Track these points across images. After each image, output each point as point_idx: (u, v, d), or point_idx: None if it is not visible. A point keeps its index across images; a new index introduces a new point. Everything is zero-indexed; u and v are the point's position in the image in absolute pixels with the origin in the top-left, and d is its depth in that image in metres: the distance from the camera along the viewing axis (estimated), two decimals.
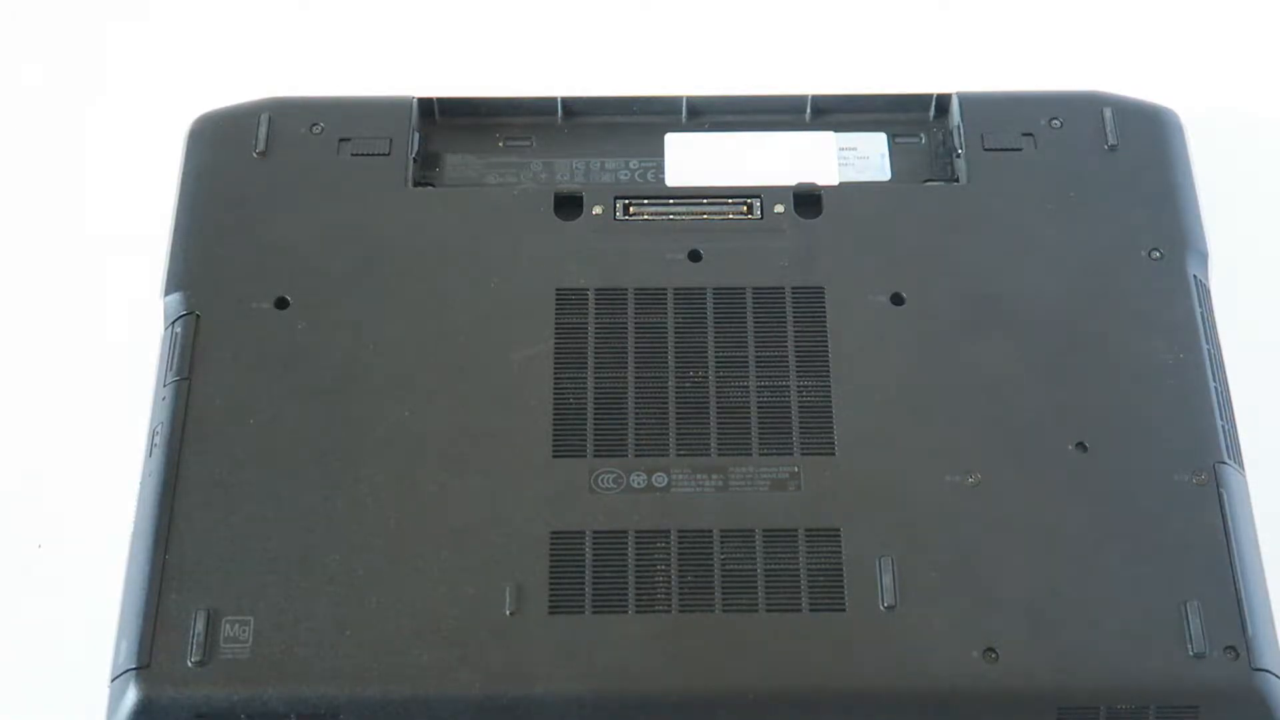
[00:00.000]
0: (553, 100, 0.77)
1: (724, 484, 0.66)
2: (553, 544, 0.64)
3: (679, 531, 0.64)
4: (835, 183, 0.74)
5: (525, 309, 0.70)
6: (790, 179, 0.74)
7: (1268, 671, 0.62)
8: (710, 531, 0.64)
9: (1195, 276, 0.71)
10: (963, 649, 0.62)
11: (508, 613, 0.62)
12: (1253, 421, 0.69)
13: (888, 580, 0.63)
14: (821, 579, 0.63)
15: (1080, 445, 0.66)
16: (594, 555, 0.64)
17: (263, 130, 0.75)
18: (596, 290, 0.70)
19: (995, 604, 0.63)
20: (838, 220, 0.72)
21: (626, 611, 0.63)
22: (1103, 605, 0.63)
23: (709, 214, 0.73)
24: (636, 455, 0.66)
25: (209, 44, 0.87)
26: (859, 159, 0.76)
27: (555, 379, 0.68)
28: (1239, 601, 0.63)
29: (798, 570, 0.63)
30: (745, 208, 0.73)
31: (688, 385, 0.68)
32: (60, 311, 0.77)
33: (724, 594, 0.63)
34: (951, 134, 0.76)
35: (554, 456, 0.66)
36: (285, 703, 0.61)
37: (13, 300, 0.78)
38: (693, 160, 0.75)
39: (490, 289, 0.70)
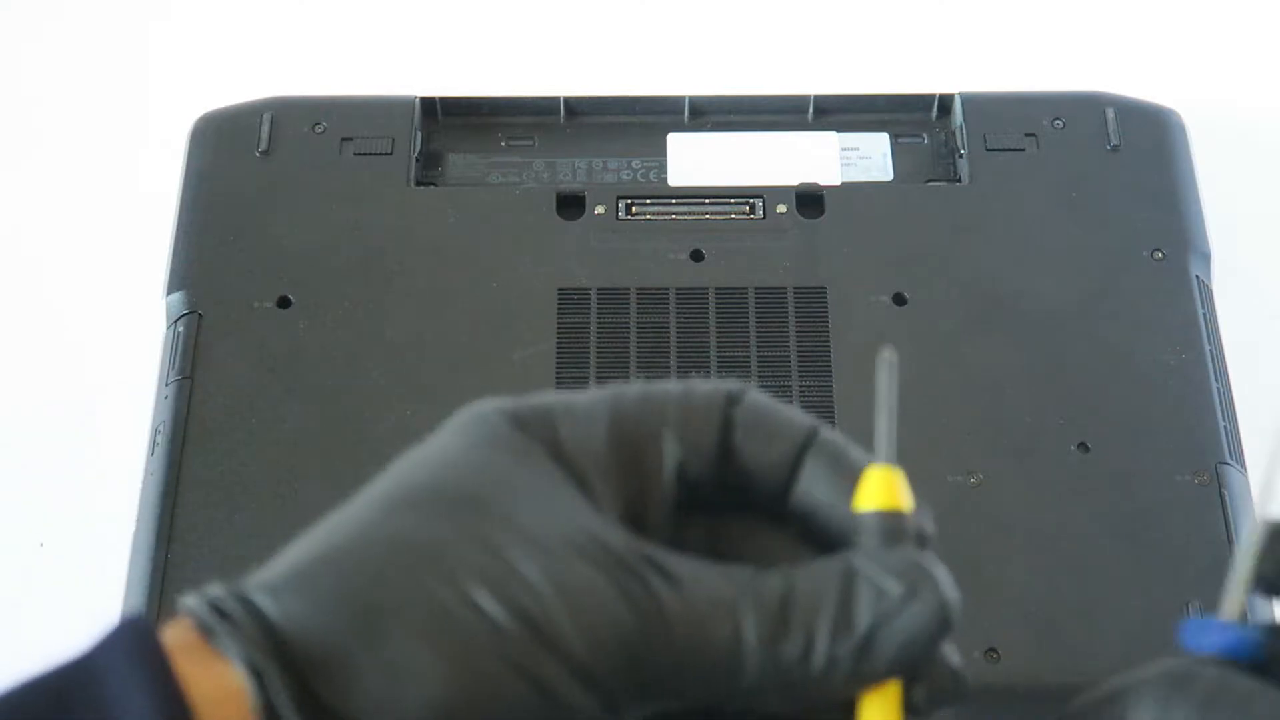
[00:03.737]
0: (555, 100, 0.77)
1: None
2: None
3: None
4: (837, 183, 0.74)
5: (527, 308, 0.70)
6: (792, 179, 0.74)
7: None
8: None
9: (1197, 277, 0.71)
10: (964, 649, 0.61)
11: None
12: (1254, 421, 0.69)
13: None
14: None
15: (1082, 445, 0.66)
16: None
17: (265, 129, 0.75)
18: (598, 290, 0.70)
19: (997, 604, 0.63)
20: (840, 220, 0.72)
21: None
22: (1104, 605, 0.62)
23: (711, 214, 0.73)
24: None
25: (211, 43, 0.87)
26: (861, 159, 0.76)
27: (557, 379, 0.68)
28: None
29: None
30: (747, 208, 0.73)
31: None
32: (62, 310, 0.77)
33: None
34: (954, 134, 0.76)
35: None
36: None
37: (14, 299, 0.78)
38: (695, 160, 0.75)
39: (492, 288, 0.70)
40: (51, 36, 0.87)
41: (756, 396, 0.41)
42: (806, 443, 0.41)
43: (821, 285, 0.70)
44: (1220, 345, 0.69)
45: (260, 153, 0.74)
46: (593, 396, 0.39)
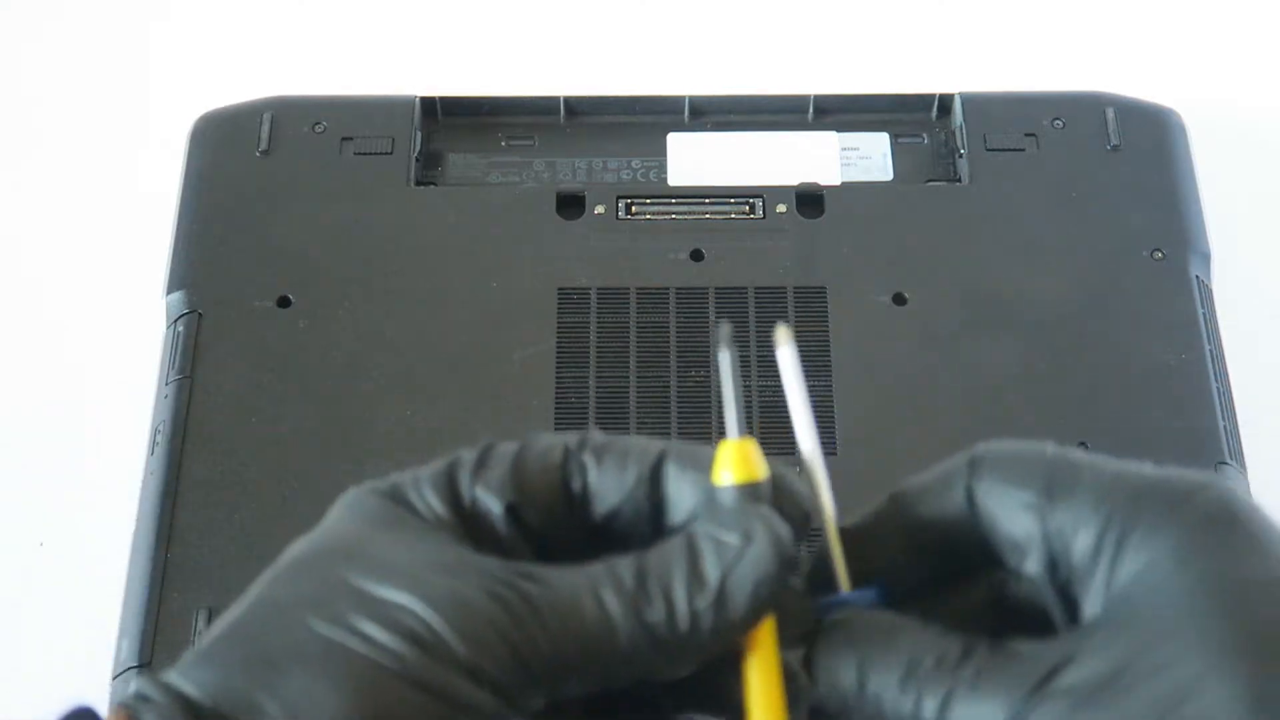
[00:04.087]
0: (555, 100, 0.77)
1: None
2: None
3: None
4: (837, 182, 0.74)
5: (527, 308, 0.70)
6: (792, 179, 0.74)
7: None
8: None
9: (1197, 277, 0.71)
10: None
11: None
12: (1254, 422, 0.69)
13: None
14: None
15: (1082, 445, 0.66)
16: None
17: (265, 129, 0.75)
18: (598, 289, 0.70)
19: None
20: (840, 220, 0.72)
21: None
22: None
23: (711, 213, 0.73)
24: None
25: (212, 43, 0.87)
26: (861, 159, 0.76)
27: (557, 378, 0.68)
28: None
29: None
30: (747, 207, 0.73)
31: (689, 385, 0.68)
32: (62, 310, 0.77)
33: None
34: (954, 134, 0.76)
35: None
36: None
37: (14, 299, 0.78)
38: (695, 160, 0.75)
39: (492, 288, 0.70)
40: (51, 36, 0.87)
41: (598, 436, 0.44)
42: (660, 459, 0.43)
43: (821, 285, 0.70)
44: (1220, 345, 0.69)
45: (260, 153, 0.74)
46: (435, 465, 0.43)
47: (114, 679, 0.62)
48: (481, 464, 0.43)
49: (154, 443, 0.67)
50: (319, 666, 0.39)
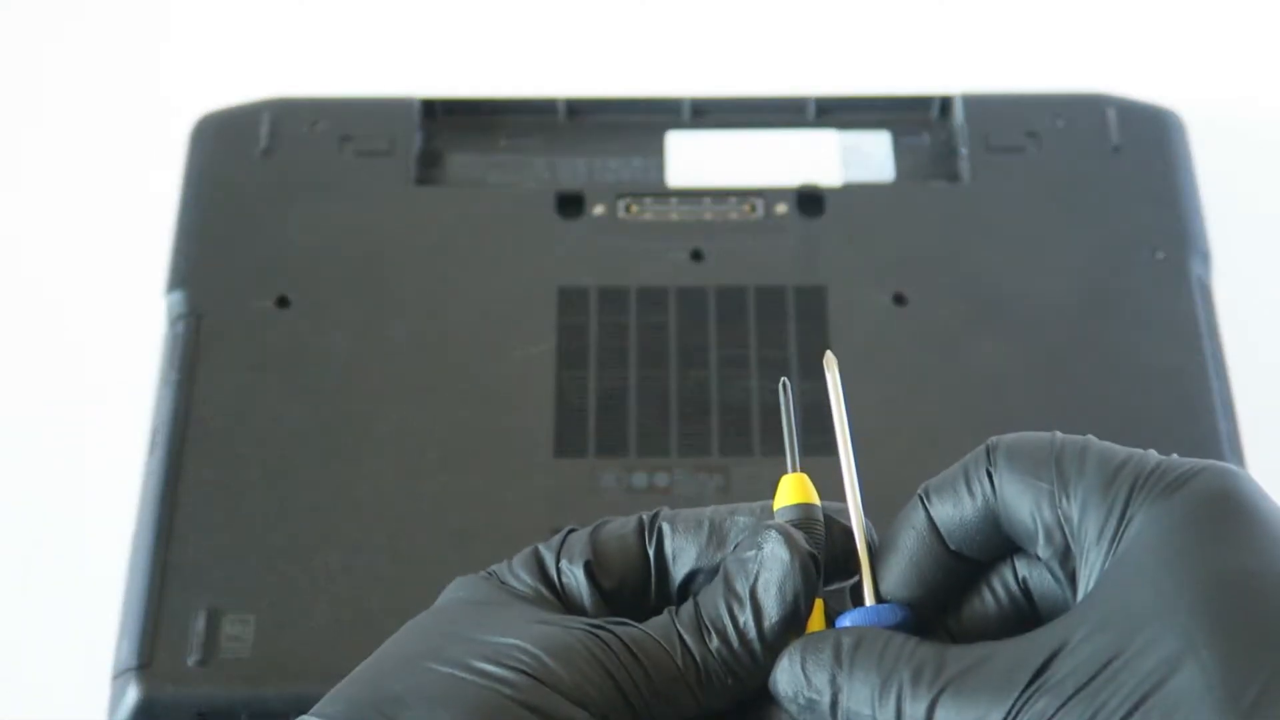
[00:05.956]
0: (555, 100, 0.77)
1: (725, 484, 0.66)
2: None
3: None
4: (838, 182, 0.74)
5: (527, 308, 0.70)
6: (793, 179, 0.74)
7: None
8: None
9: (1197, 277, 0.71)
10: None
11: None
12: (1254, 422, 0.69)
13: None
14: None
15: None
16: None
17: (265, 129, 0.75)
18: (598, 289, 0.70)
19: None
20: (840, 220, 0.72)
21: None
22: None
23: (711, 213, 0.73)
24: (638, 455, 0.66)
25: (212, 44, 0.87)
26: (862, 159, 0.76)
27: (557, 378, 0.68)
28: None
29: None
30: (748, 207, 0.73)
31: (689, 384, 0.68)
32: (62, 310, 0.77)
33: None
34: (955, 134, 0.76)
35: (555, 456, 0.66)
36: (285, 702, 0.61)
37: (15, 299, 0.78)
38: (695, 159, 0.75)
39: (492, 288, 0.70)
40: (52, 37, 0.87)
41: (668, 510, 0.47)
42: (728, 514, 0.46)
43: (821, 285, 0.70)
44: (1220, 345, 0.69)
45: (260, 153, 0.74)
46: (526, 552, 0.48)
47: (114, 679, 0.62)
48: (563, 542, 0.47)
49: (154, 443, 0.67)
50: (441, 698, 0.43)
